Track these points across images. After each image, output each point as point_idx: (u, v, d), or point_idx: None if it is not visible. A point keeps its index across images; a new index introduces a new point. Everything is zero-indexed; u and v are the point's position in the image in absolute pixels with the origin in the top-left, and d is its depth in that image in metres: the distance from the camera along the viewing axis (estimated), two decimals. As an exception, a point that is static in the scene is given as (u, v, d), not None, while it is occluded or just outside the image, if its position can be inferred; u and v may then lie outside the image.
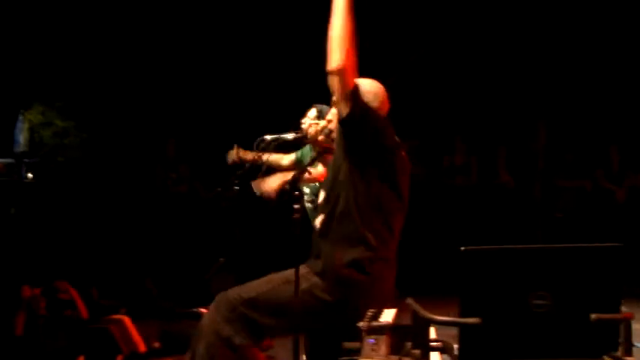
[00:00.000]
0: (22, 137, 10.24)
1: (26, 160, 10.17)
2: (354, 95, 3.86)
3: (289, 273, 3.94)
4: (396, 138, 4.08)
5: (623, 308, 3.08)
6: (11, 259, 7.55)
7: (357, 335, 3.22)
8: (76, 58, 10.82)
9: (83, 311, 6.20)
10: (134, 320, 6.55)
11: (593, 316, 2.99)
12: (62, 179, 9.92)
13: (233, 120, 10.77)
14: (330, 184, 4.04)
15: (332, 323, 3.91)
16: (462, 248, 2.99)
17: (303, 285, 3.88)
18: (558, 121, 10.90)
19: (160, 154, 10.41)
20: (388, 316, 3.58)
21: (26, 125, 10.22)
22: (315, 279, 3.94)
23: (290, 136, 6.02)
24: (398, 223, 4.06)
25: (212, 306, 3.99)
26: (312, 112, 5.84)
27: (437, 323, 3.07)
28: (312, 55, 11.23)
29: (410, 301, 3.24)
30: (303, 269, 3.97)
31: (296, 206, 4.03)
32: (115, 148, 10.53)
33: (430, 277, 9.18)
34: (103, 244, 8.83)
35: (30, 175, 9.52)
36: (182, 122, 10.89)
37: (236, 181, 6.01)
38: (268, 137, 6.08)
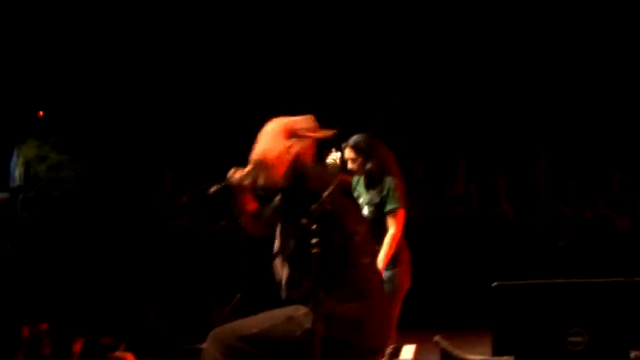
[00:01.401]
0: (17, 172, 10.19)
1: (21, 195, 10.11)
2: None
3: (291, 310, 3.88)
4: None
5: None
6: (9, 297, 7.45)
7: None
8: (70, 92, 10.77)
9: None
10: (137, 355, 6.45)
11: (633, 353, 2.92)
12: (58, 214, 9.85)
13: (230, 150, 10.71)
14: None
15: None
16: (495, 284, 2.92)
17: (306, 324, 3.82)
18: (559, 148, 10.88)
19: (157, 186, 10.33)
20: (408, 352, 3.52)
21: (21, 160, 10.16)
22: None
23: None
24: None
25: (208, 341, 3.92)
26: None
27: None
28: (307, 82, 11.24)
29: (438, 339, 3.17)
30: (303, 308, 3.91)
31: (313, 241, 3.97)
32: (110, 181, 10.45)
33: (436, 309, 9.10)
34: (99, 279, 8.74)
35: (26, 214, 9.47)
36: (179, 154, 10.82)
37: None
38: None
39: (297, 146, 3.98)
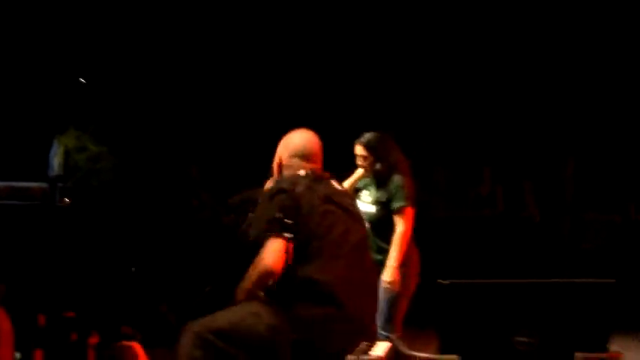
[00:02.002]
0: (56, 162, 10.38)
1: (60, 184, 10.29)
2: None
3: (259, 305, 3.93)
4: None
5: (613, 347, 2.98)
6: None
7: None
8: (109, 85, 10.94)
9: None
10: (148, 348, 6.49)
11: (579, 355, 2.91)
12: (95, 203, 10.01)
13: (255, 146, 10.83)
14: None
15: None
16: (443, 281, 2.93)
17: (271, 321, 3.86)
18: (587, 153, 10.77)
19: (184, 179, 10.45)
20: (380, 349, 3.52)
21: (61, 150, 10.34)
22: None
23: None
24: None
25: (184, 333, 3.98)
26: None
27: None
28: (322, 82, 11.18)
29: (393, 337, 3.19)
30: (271, 304, 3.94)
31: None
32: (145, 174, 10.60)
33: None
34: (127, 271, 8.86)
35: (67, 200, 9.62)
36: (206, 148, 10.95)
37: (251, 208, 6.02)
38: None
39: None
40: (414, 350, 3.04)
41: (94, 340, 6.21)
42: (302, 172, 4.11)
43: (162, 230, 9.72)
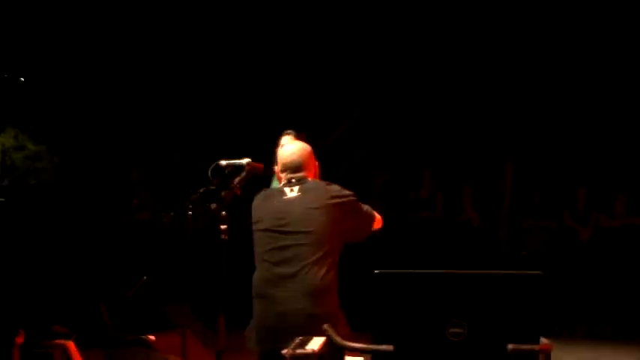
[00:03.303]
0: (-7, 161, 10.20)
1: (-3, 183, 10.12)
2: None
3: None
4: None
5: (543, 339, 3.01)
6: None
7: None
8: (48, 83, 10.78)
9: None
10: (81, 348, 6.40)
11: (510, 346, 2.93)
12: (32, 202, 9.86)
13: (197, 148, 10.78)
14: None
15: None
16: (376, 271, 2.94)
17: None
18: (526, 160, 10.90)
19: (124, 179, 10.35)
20: (315, 344, 3.52)
21: (-1, 149, 10.18)
22: None
23: (244, 161, 6.03)
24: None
25: None
26: (286, 139, 5.83)
27: (350, 350, 3.01)
28: (265, 83, 11.14)
29: (326, 327, 3.18)
30: None
31: (223, 227, 4.04)
32: (85, 173, 10.47)
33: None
34: (62, 270, 8.72)
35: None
36: (146, 149, 10.84)
37: (190, 206, 5.99)
38: (223, 162, 6.10)
39: None
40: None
41: (20, 339, 6.07)
42: None
43: (99, 229, 9.62)
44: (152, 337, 6.49)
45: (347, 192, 4.28)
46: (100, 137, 10.90)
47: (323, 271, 4.13)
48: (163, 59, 11.13)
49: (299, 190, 4.29)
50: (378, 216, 4.42)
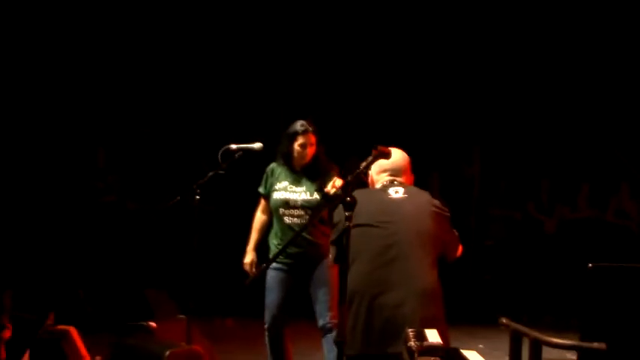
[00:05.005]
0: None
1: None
2: None
3: None
4: None
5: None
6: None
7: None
8: (8, 58, 10.12)
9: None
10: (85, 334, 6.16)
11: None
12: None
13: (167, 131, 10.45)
14: None
15: None
16: (590, 265, 2.73)
17: None
18: (493, 149, 10.94)
19: (89, 162, 9.82)
20: (434, 336, 3.33)
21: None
22: None
23: (256, 146, 5.77)
24: None
25: None
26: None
27: (554, 346, 2.79)
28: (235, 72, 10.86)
29: (507, 321, 2.97)
30: None
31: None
32: (48, 154, 9.91)
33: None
34: (30, 254, 8.28)
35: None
36: (113, 131, 10.36)
37: (198, 190, 5.72)
38: (233, 146, 5.81)
39: None
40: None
41: (6, 333, 5.71)
42: None
43: (63, 212, 9.21)
44: (153, 324, 6.25)
45: (446, 207, 4.23)
46: (64, 117, 10.34)
47: (432, 272, 3.99)
48: (132, 35, 10.67)
49: (405, 192, 4.15)
50: (460, 245, 4.35)
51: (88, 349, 6.07)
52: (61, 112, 10.21)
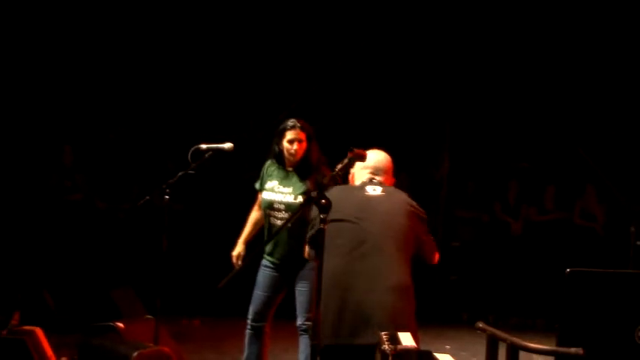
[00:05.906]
0: None
1: None
2: None
3: None
4: None
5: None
6: None
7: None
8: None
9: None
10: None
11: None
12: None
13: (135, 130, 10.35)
14: None
15: None
16: (568, 270, 2.73)
17: None
18: (462, 150, 10.96)
19: (55, 161, 9.70)
20: (408, 339, 3.32)
21: None
22: None
23: (227, 146, 5.76)
24: None
25: None
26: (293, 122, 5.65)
27: (532, 351, 2.79)
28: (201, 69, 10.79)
29: (483, 325, 2.96)
30: None
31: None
32: (10, 153, 9.78)
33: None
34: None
35: None
36: (79, 129, 10.24)
37: (167, 190, 5.68)
38: (203, 146, 5.79)
39: None
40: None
41: None
42: None
43: (28, 211, 9.12)
44: (121, 325, 6.20)
45: (422, 210, 4.32)
46: (31, 115, 10.19)
47: (405, 269, 4.06)
48: (100, 34, 10.58)
49: (382, 191, 4.27)
50: (437, 252, 4.39)
51: (54, 350, 6.01)
52: (28, 109, 10.09)
